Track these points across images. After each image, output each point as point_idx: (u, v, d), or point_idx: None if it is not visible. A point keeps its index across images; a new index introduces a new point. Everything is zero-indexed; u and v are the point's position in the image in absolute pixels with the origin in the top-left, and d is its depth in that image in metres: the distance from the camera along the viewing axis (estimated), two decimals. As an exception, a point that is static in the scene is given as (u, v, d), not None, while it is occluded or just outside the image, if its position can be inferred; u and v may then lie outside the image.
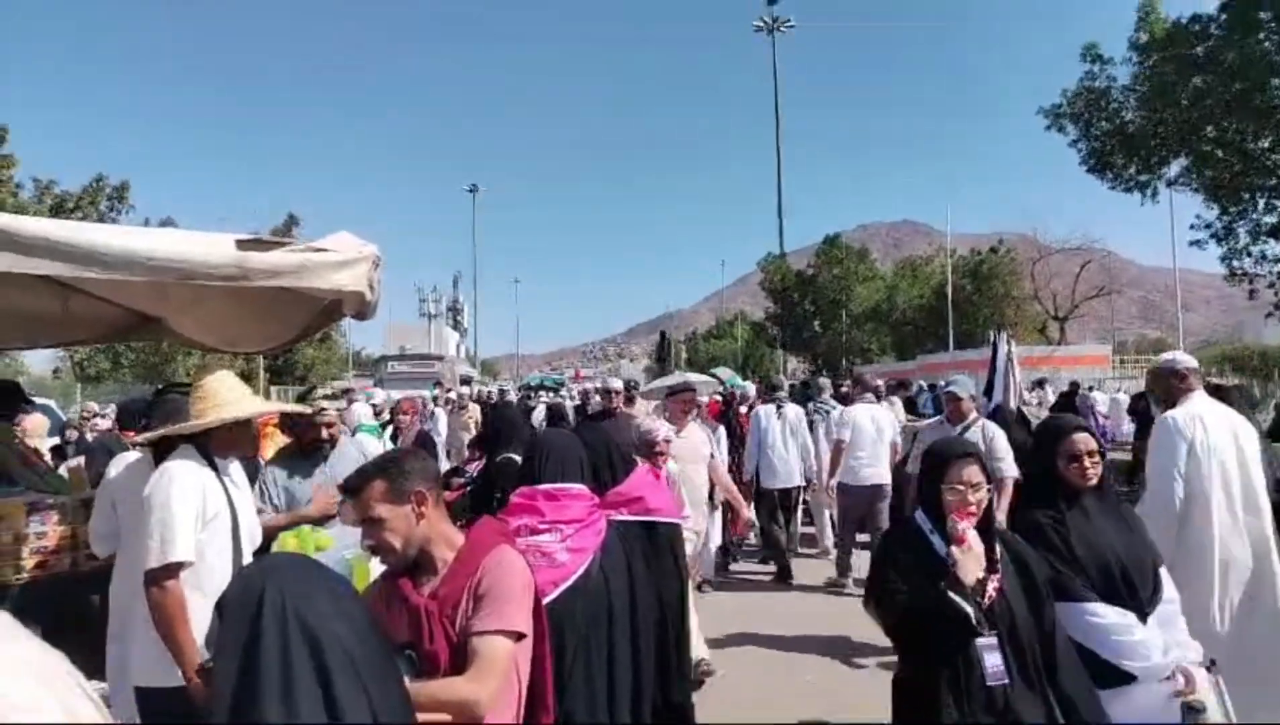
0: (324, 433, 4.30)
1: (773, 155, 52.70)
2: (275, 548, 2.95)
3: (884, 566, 2.60)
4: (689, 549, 5.04)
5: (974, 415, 6.16)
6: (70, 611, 3.45)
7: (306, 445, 4.29)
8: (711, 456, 6.54)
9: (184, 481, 2.77)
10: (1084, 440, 2.83)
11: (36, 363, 30.66)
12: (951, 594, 2.36)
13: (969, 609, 2.35)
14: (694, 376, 13.46)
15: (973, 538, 2.47)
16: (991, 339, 8.82)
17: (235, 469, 3.18)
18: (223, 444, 2.96)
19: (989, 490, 2.56)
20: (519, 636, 2.06)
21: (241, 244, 2.81)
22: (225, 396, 2.95)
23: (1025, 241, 45.65)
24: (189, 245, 2.45)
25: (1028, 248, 44.07)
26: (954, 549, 2.45)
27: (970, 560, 2.43)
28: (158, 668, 2.69)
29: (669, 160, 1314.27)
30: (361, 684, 1.40)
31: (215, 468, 2.93)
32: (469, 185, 67.19)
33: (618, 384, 8.97)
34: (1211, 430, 3.82)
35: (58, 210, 24.08)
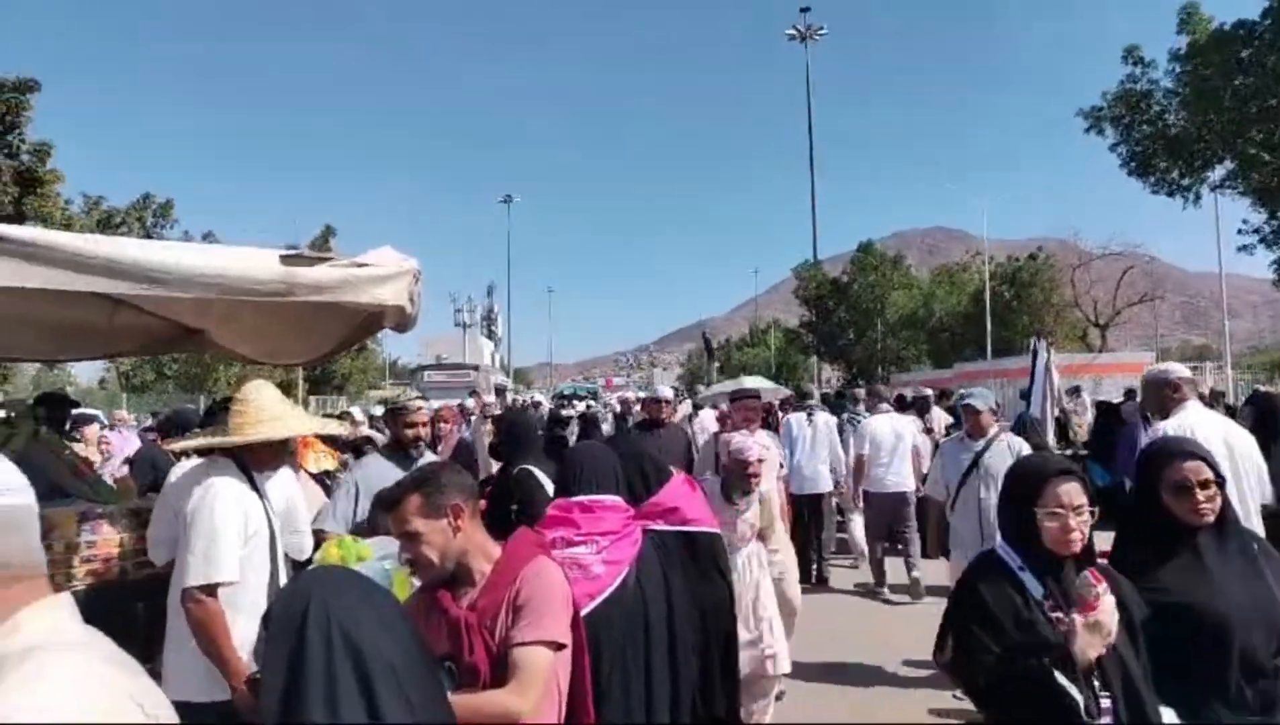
0: (420, 432, 4.36)
1: (806, 162, 52.52)
2: (318, 557, 2.97)
3: (968, 616, 2.16)
4: (791, 586, 4.97)
5: (994, 429, 5.71)
6: (119, 620, 3.51)
7: (404, 444, 4.34)
8: (781, 466, 6.45)
9: (228, 498, 2.80)
10: (1195, 468, 2.33)
11: (84, 374, 31.48)
12: (1061, 678, 1.92)
13: (1080, 699, 1.91)
14: (759, 381, 13.07)
15: (1107, 604, 1.99)
16: (1032, 346, 8.67)
17: (281, 479, 3.21)
18: (261, 460, 2.98)
19: (1091, 513, 2.15)
20: (558, 647, 2.07)
21: (285, 259, 2.85)
22: (268, 412, 2.97)
23: (1064, 247, 44.88)
24: (236, 262, 2.50)
25: (1067, 253, 43.31)
26: (1076, 618, 1.98)
27: (1094, 634, 1.96)
28: (192, 682, 2.72)
29: (701, 169, 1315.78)
30: (405, 696, 1.42)
31: (254, 482, 2.95)
32: (503, 196, 67.73)
33: (667, 392, 8.45)
34: (1203, 441, 3.75)
35: (104, 225, 24.76)
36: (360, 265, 3.01)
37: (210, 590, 2.68)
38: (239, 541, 2.77)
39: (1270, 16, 16.23)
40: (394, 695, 1.40)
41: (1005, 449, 5.47)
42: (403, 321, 3.29)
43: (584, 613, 2.38)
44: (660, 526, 3.18)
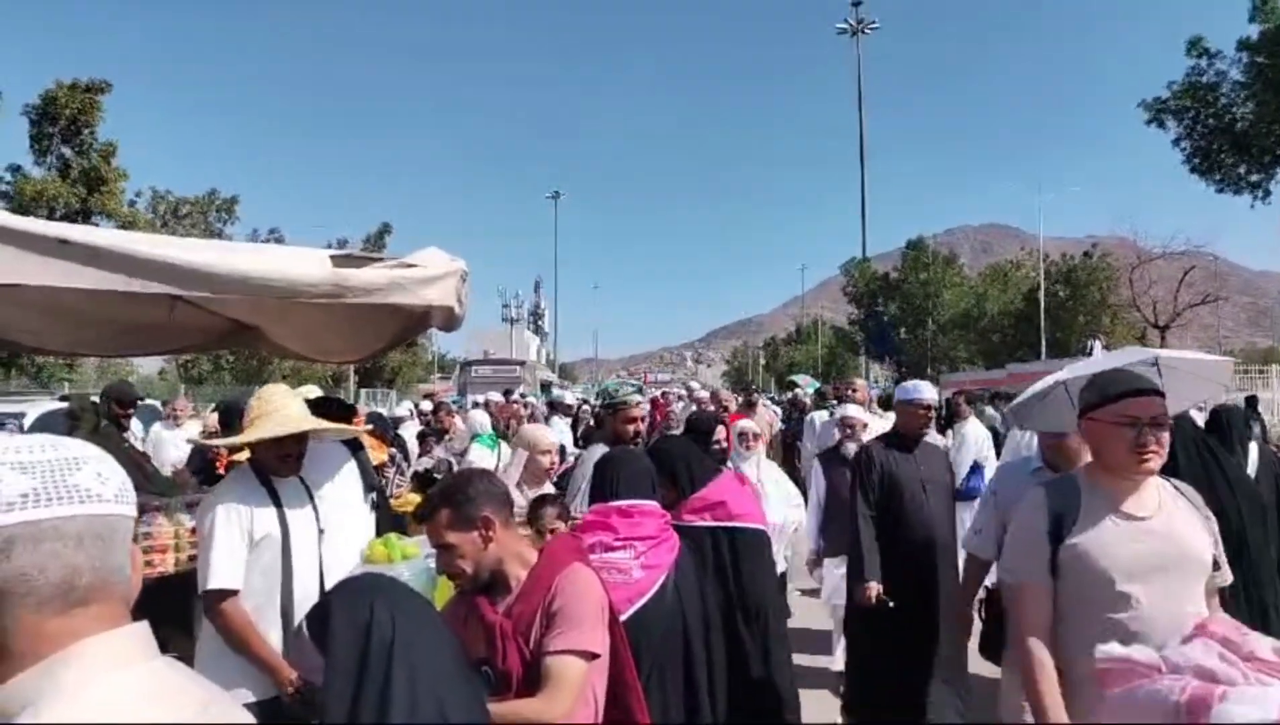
0: (638, 426, 4.50)
1: (855, 158, 51.95)
2: (365, 553, 3.00)
3: None
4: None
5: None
6: (171, 611, 3.61)
7: (623, 439, 4.39)
8: None
9: (226, 505, 2.80)
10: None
11: (145, 365, 32.43)
12: None
13: None
14: (805, 380, 12.85)
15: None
16: (1088, 347, 8.45)
17: (345, 479, 3.21)
18: (268, 464, 2.93)
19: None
20: (592, 656, 2.06)
21: (336, 260, 2.91)
22: (264, 409, 2.93)
23: (1123, 245, 43.72)
24: (289, 264, 2.55)
25: (1125, 252, 42.17)
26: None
27: None
28: (220, 680, 2.77)
29: (750, 164, 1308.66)
30: (457, 705, 1.45)
31: (270, 487, 2.91)
32: (551, 192, 68.19)
33: (701, 393, 8.22)
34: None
35: (171, 216, 25.51)
36: (408, 266, 3.05)
37: (222, 596, 2.72)
38: (240, 548, 2.77)
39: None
40: (444, 704, 1.42)
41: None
42: (450, 321, 3.33)
43: (623, 618, 2.38)
44: (706, 522, 3.18)
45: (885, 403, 11.38)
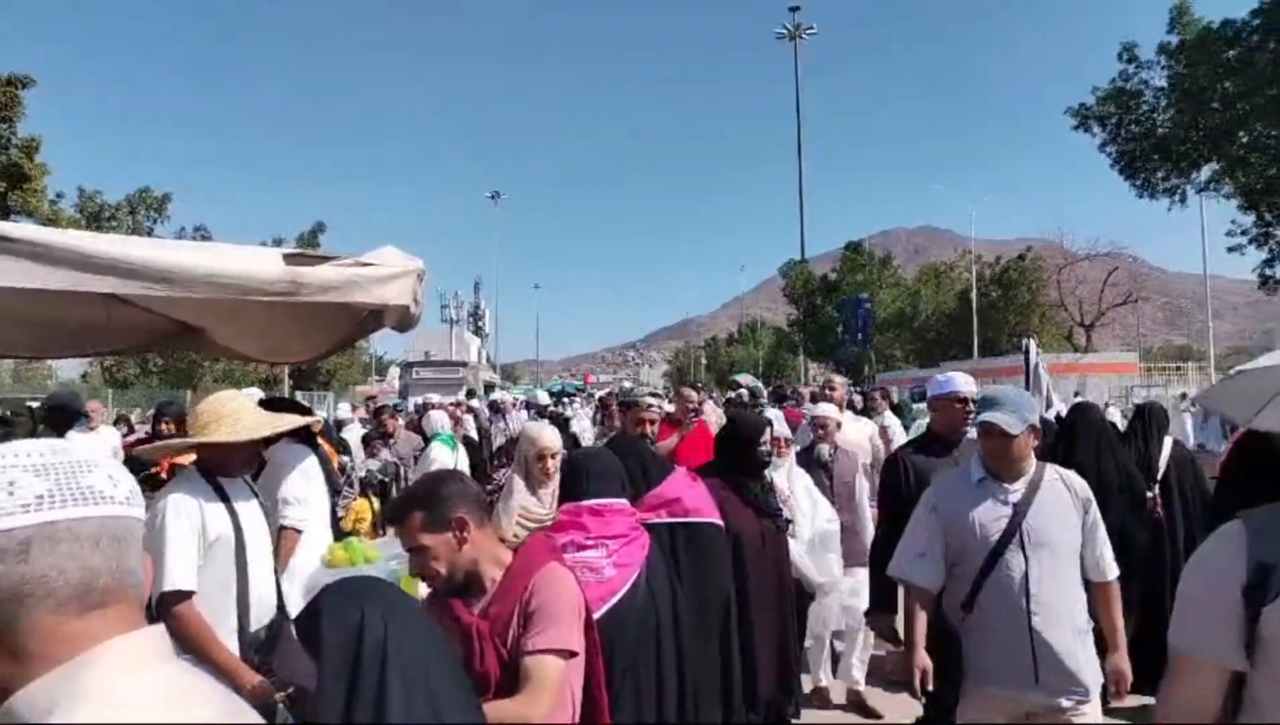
0: (649, 429, 4.56)
1: (793, 161, 52.71)
2: (325, 558, 2.94)
3: None
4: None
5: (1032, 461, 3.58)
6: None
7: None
8: None
9: (177, 507, 2.76)
10: None
11: (64, 368, 31.12)
12: None
13: None
14: (748, 379, 12.82)
15: None
16: (1024, 346, 8.65)
17: (308, 478, 3.15)
18: (223, 466, 2.93)
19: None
20: (570, 654, 2.06)
21: (289, 258, 2.82)
22: (220, 414, 2.92)
23: (1050, 247, 45.24)
24: (242, 261, 2.47)
25: (1053, 254, 43.67)
26: None
27: None
28: None
29: (689, 166, 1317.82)
30: (453, 708, 1.44)
31: (220, 490, 2.89)
32: (491, 192, 67.55)
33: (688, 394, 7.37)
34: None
35: (95, 220, 24.62)
36: (365, 264, 2.98)
37: (176, 598, 2.66)
38: (193, 550, 2.73)
39: (1259, 16, 16.30)
40: (439, 706, 1.41)
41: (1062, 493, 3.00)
42: (405, 321, 3.27)
43: (597, 616, 2.37)
44: (662, 518, 3.19)
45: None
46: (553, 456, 4.06)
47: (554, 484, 3.96)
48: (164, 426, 6.50)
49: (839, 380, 7.61)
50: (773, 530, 3.78)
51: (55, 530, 0.87)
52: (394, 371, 32.36)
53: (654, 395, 6.98)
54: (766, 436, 3.90)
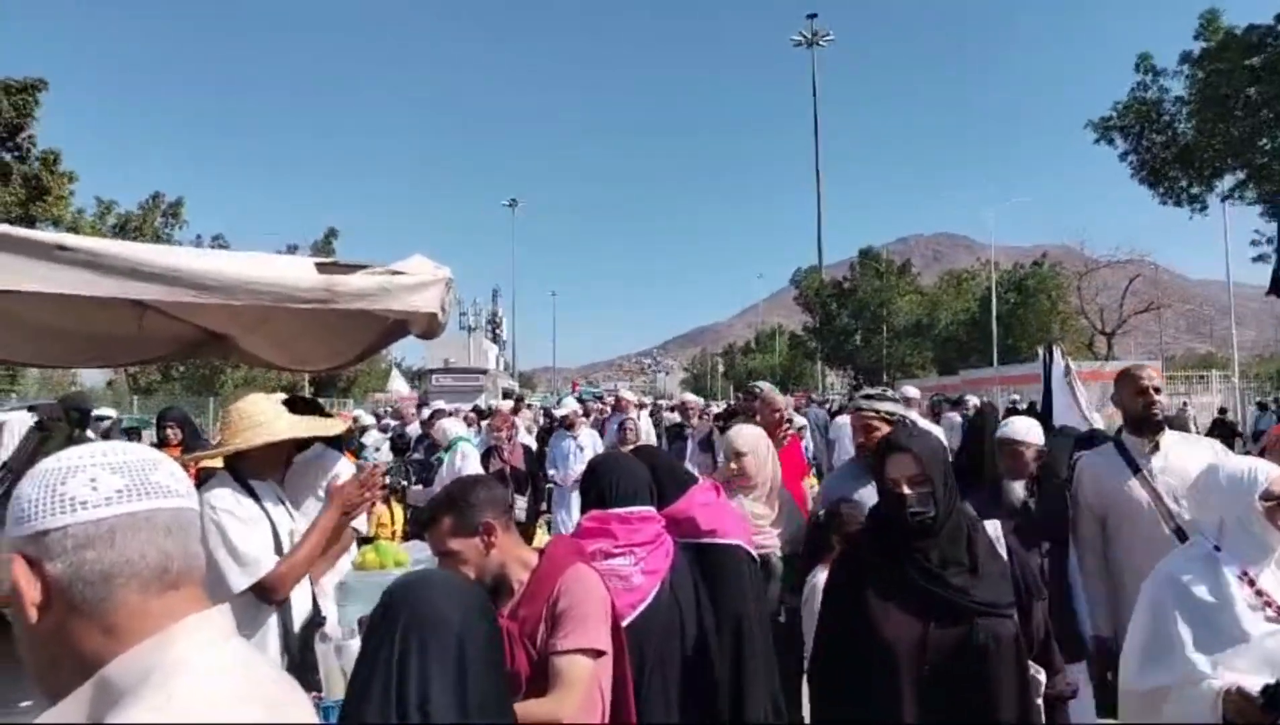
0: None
1: (810, 168, 52.56)
2: (355, 561, 2.98)
3: None
4: None
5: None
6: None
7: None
8: None
9: (223, 504, 2.80)
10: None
11: (90, 376, 31.50)
12: None
13: None
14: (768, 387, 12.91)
15: None
16: (1040, 354, 8.46)
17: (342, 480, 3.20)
18: (256, 469, 2.98)
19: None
20: (598, 654, 2.09)
21: (322, 267, 2.87)
22: (251, 419, 2.96)
23: (1070, 254, 44.93)
24: (278, 269, 2.52)
25: (1073, 261, 43.36)
26: None
27: None
28: None
29: (706, 174, 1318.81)
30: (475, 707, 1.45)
31: (254, 493, 2.94)
32: (508, 200, 67.89)
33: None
34: None
35: (121, 230, 24.87)
36: (396, 273, 3.03)
37: (269, 585, 2.73)
38: (251, 537, 2.79)
39: (1279, 23, 16.14)
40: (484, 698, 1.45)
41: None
42: (432, 329, 3.31)
43: (625, 623, 2.39)
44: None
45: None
46: (737, 457, 3.85)
47: (754, 482, 3.83)
48: (169, 431, 6.58)
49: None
50: None
51: (136, 520, 0.99)
52: (396, 379, 32.38)
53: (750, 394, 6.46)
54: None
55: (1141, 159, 19.45)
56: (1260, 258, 18.95)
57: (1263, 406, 19.80)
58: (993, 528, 2.63)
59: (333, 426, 3.39)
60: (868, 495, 3.30)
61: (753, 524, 3.67)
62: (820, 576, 3.12)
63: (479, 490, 2.24)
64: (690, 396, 9.43)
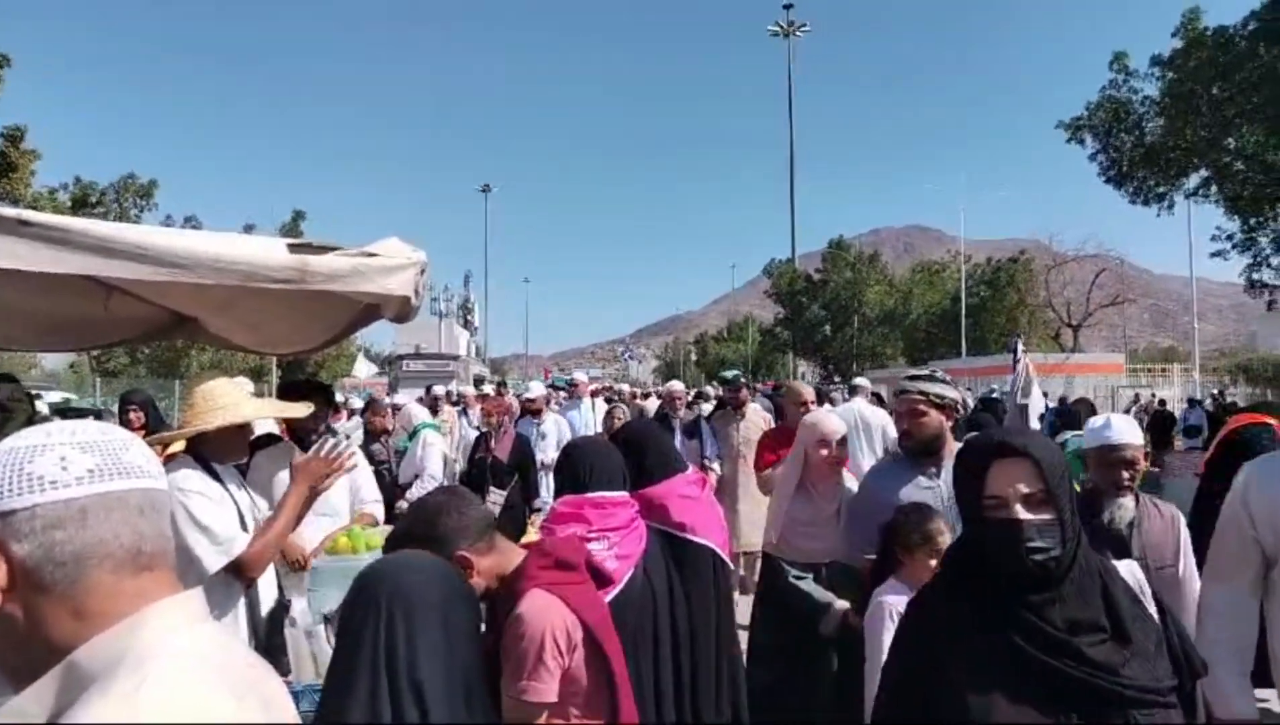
0: None
1: (784, 158, 52.78)
2: (327, 545, 2.95)
3: None
4: None
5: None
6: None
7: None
8: None
9: (191, 485, 2.78)
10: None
11: (50, 357, 30.85)
12: None
13: None
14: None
15: None
16: (1011, 345, 8.83)
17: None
18: (219, 451, 2.97)
19: None
20: (539, 707, 1.97)
21: (294, 247, 2.83)
22: (215, 402, 2.94)
23: (1039, 248, 45.57)
24: (249, 248, 2.48)
25: (1042, 255, 44.00)
26: None
27: None
28: None
29: (680, 162, 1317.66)
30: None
31: (216, 475, 2.93)
32: (482, 185, 67.40)
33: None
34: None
35: (81, 204, 24.32)
36: (370, 255, 2.99)
37: (242, 565, 2.72)
38: (222, 516, 2.78)
39: (1248, 23, 16.42)
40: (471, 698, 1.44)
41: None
42: (405, 312, 3.28)
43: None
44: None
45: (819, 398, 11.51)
46: (840, 444, 3.65)
47: (836, 476, 3.67)
48: (132, 415, 6.47)
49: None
50: None
51: (108, 500, 0.97)
52: (362, 364, 31.95)
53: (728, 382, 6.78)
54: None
55: (1111, 159, 19.73)
56: (1217, 254, 19.37)
57: (1192, 402, 20.01)
58: (1127, 570, 1.89)
59: (297, 409, 3.35)
60: (910, 495, 3.08)
61: (811, 527, 3.55)
62: (890, 598, 2.69)
63: (443, 519, 1.97)
64: (676, 384, 9.33)
